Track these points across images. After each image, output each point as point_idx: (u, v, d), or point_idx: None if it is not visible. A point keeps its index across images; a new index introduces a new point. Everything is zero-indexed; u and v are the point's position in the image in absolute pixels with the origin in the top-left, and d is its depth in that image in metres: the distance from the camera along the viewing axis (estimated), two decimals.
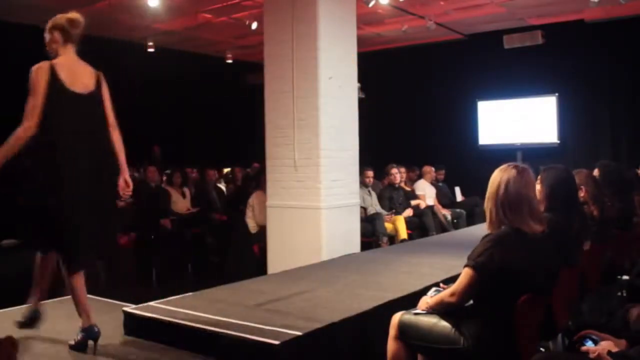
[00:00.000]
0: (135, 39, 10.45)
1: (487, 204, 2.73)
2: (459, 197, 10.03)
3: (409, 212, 8.35)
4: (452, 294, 2.74)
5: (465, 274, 2.65)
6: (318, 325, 3.50)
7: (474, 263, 2.61)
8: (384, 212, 7.96)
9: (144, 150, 11.09)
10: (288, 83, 6.43)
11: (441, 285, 3.05)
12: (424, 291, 4.28)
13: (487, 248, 2.61)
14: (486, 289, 2.63)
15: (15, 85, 10.53)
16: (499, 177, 2.71)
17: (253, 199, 7.18)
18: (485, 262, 2.58)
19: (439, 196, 9.38)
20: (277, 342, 3.19)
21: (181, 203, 8.84)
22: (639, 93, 9.55)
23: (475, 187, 9.37)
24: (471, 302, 2.76)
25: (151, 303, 4.14)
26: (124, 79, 10.43)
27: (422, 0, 8.88)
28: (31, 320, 3.79)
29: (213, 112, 12.17)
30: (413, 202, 8.60)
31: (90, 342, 3.49)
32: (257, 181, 7.43)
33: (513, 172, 2.69)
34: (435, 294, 2.91)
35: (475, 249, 2.66)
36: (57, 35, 3.65)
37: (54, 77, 3.42)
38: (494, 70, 10.46)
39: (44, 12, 8.58)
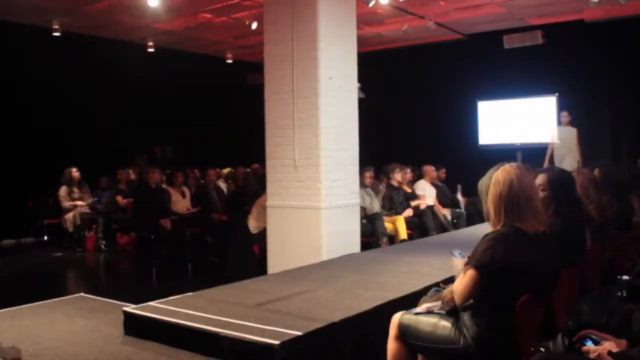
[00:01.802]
0: (135, 39, 10.46)
1: (489, 203, 2.72)
2: (460, 195, 9.98)
3: (409, 212, 8.35)
4: (453, 294, 2.73)
5: (468, 274, 2.63)
6: (318, 325, 3.50)
7: (476, 263, 2.60)
8: (383, 211, 7.96)
9: (143, 150, 11.11)
10: (288, 83, 6.43)
11: (441, 285, 3.04)
12: (424, 291, 4.29)
13: (488, 247, 2.60)
14: (487, 289, 2.62)
15: (15, 85, 10.56)
16: (501, 176, 2.70)
17: (262, 200, 7.06)
18: (487, 262, 2.57)
19: (439, 196, 9.38)
20: (277, 342, 3.19)
21: (181, 203, 8.85)
22: (639, 93, 9.55)
23: (475, 187, 9.38)
24: (471, 301, 2.75)
25: (151, 303, 4.14)
26: (124, 79, 10.50)
27: (422, 0, 8.88)
28: None
29: (213, 112, 12.18)
30: (413, 203, 8.58)
31: None
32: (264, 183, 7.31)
33: (516, 171, 2.70)
34: (434, 294, 2.91)
35: (476, 248, 2.65)
36: None
37: None
38: (494, 70, 10.46)
39: (44, 12, 8.69)
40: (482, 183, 2.78)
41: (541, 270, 2.66)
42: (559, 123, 9.94)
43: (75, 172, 9.44)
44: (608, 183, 4.48)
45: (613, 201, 4.30)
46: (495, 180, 2.71)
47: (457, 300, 2.69)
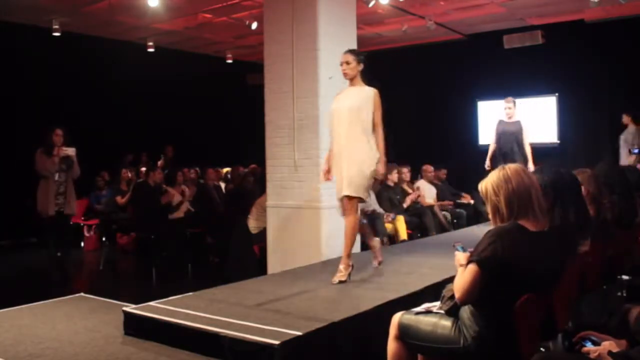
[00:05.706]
0: (135, 39, 10.46)
1: (501, 200, 2.70)
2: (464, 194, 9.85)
3: (413, 196, 8.50)
4: (453, 291, 2.72)
5: (469, 269, 2.62)
6: (318, 325, 3.50)
7: (478, 258, 2.59)
8: (382, 211, 7.94)
9: (143, 150, 11.10)
10: (288, 83, 6.42)
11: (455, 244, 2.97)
12: (424, 291, 4.30)
13: (490, 242, 2.60)
14: (487, 286, 2.61)
15: (15, 84, 10.53)
16: (510, 173, 2.71)
17: (262, 200, 7.07)
18: (488, 256, 2.57)
19: (440, 195, 9.37)
20: (277, 342, 3.19)
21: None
22: (638, 93, 9.55)
23: (475, 187, 9.36)
24: (471, 297, 2.72)
25: (151, 303, 4.14)
26: (123, 79, 10.49)
27: (422, 0, 8.88)
28: None
29: (213, 112, 12.18)
30: (406, 204, 8.51)
31: None
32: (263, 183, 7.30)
33: (523, 168, 2.74)
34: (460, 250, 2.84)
35: (478, 244, 2.65)
36: None
37: None
38: (494, 70, 10.46)
39: (44, 12, 8.69)
40: (486, 184, 2.78)
41: (542, 268, 2.66)
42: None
43: (58, 135, 7.33)
44: (609, 183, 4.47)
45: (614, 201, 4.29)
46: (505, 177, 2.71)
47: (457, 294, 2.68)
